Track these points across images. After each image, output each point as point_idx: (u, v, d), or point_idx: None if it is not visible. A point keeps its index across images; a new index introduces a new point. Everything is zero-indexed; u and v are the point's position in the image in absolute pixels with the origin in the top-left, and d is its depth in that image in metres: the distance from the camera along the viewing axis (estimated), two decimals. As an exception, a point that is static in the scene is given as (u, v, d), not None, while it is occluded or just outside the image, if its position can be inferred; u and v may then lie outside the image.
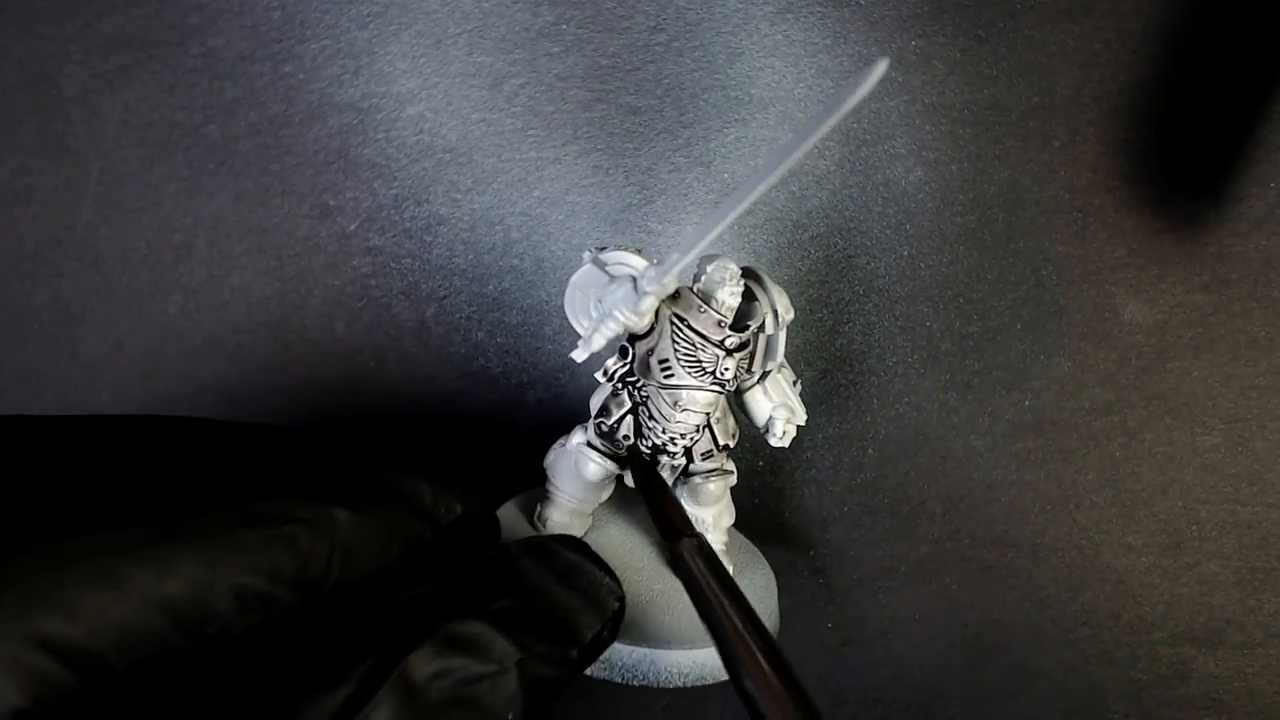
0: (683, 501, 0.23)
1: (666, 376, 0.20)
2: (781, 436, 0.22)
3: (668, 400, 0.20)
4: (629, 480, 0.22)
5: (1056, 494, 0.29)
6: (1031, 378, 0.28)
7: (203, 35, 0.29)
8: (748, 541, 0.26)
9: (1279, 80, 0.26)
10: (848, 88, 0.12)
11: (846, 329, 0.29)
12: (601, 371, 0.21)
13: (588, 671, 0.19)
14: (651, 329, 0.20)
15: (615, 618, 0.17)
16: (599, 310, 0.19)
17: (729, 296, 0.20)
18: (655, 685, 0.19)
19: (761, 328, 0.21)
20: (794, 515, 0.30)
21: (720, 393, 0.21)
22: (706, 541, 0.17)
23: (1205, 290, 0.27)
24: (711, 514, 0.23)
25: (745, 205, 0.15)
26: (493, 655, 0.14)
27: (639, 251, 0.20)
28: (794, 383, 0.22)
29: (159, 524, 0.12)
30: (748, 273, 0.21)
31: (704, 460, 0.22)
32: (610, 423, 0.21)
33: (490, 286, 0.30)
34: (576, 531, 0.23)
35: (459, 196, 0.30)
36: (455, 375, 0.30)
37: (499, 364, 0.30)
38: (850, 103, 0.12)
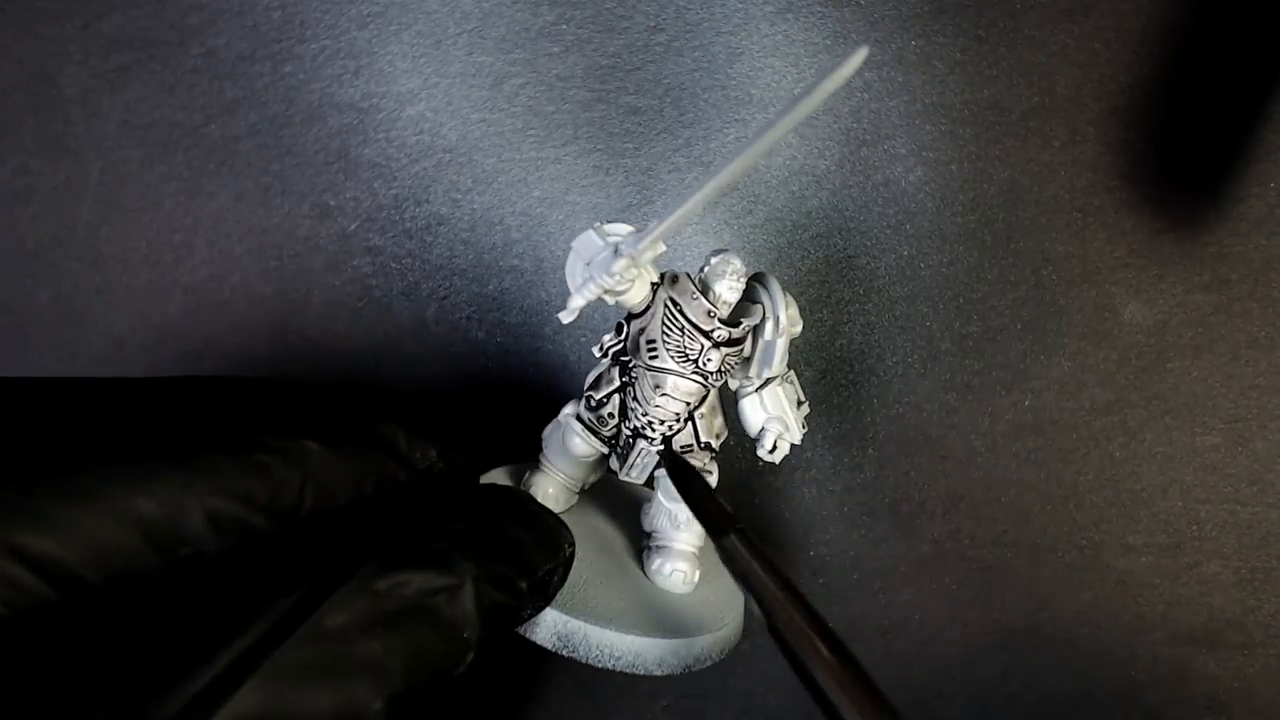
0: (656, 495, 0.23)
1: (652, 357, 0.20)
2: (771, 451, 0.21)
3: (650, 383, 0.20)
4: (622, 473, 0.22)
5: (1056, 494, 0.29)
6: (1031, 378, 0.28)
7: (203, 35, 0.29)
8: None
9: (1279, 80, 0.26)
10: (830, 71, 0.12)
11: (846, 329, 0.29)
12: (598, 347, 0.22)
13: (524, 633, 0.19)
14: (646, 309, 0.20)
15: (566, 564, 0.17)
16: (584, 274, 0.19)
17: (726, 291, 0.20)
18: (583, 661, 0.19)
19: (759, 331, 0.21)
20: (794, 515, 0.30)
21: (703, 384, 0.21)
22: (752, 535, 0.17)
23: (1205, 290, 0.27)
24: (684, 513, 0.22)
25: (726, 180, 0.15)
26: (450, 569, 0.14)
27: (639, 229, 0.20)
28: (799, 403, 0.22)
29: (132, 444, 0.13)
30: (759, 277, 0.21)
31: (682, 454, 0.22)
32: (599, 397, 0.22)
33: (490, 286, 0.30)
34: (559, 507, 0.23)
35: (459, 196, 0.30)
36: (455, 375, 0.30)
37: (499, 364, 0.30)
38: (832, 85, 0.12)
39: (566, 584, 0.18)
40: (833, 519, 0.30)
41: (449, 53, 0.29)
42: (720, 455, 0.23)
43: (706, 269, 0.20)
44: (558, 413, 0.23)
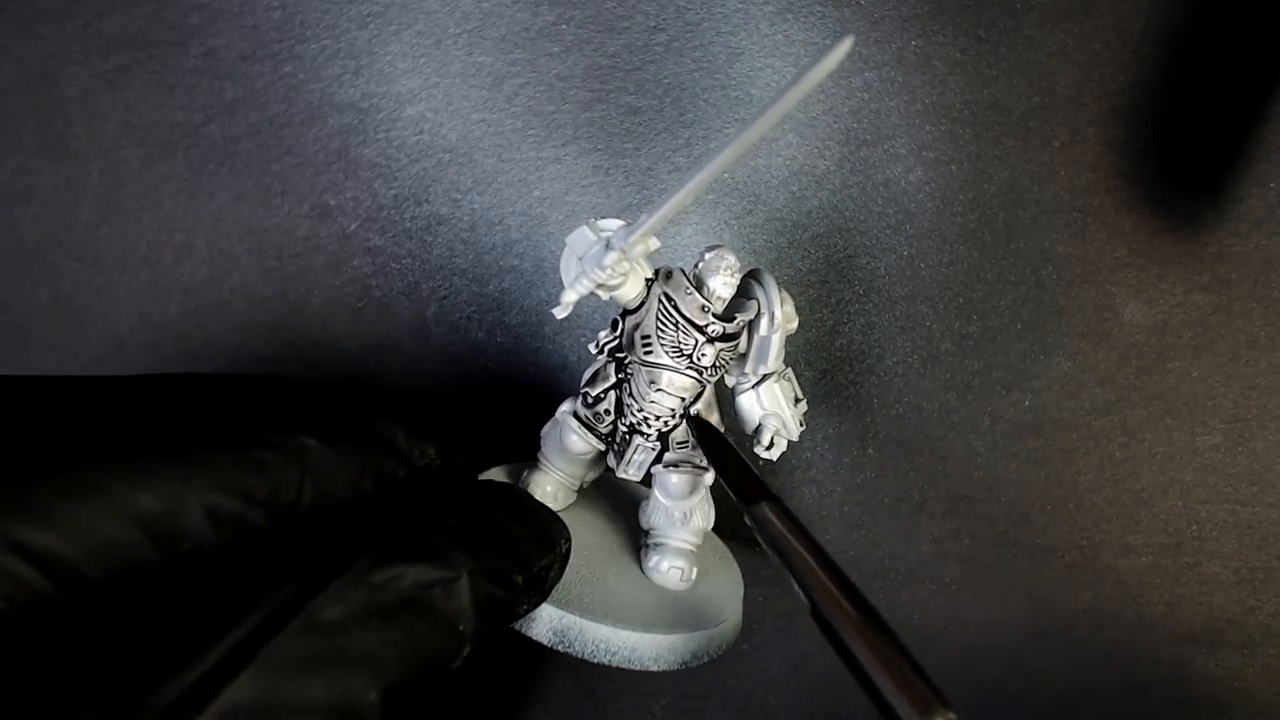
0: (653, 493, 0.23)
1: (646, 353, 0.20)
2: (768, 447, 0.21)
3: (646, 378, 0.20)
4: (619, 470, 0.22)
5: (1056, 494, 0.29)
6: (1031, 378, 0.28)
7: (203, 35, 0.29)
8: (722, 545, 0.26)
9: (1279, 80, 0.26)
10: (816, 61, 0.12)
11: (846, 329, 0.29)
12: (594, 344, 0.22)
13: (521, 628, 0.19)
14: (641, 305, 0.20)
15: (562, 559, 0.17)
16: (577, 268, 0.19)
17: (720, 286, 0.20)
18: (579, 656, 0.19)
19: (754, 326, 0.21)
20: (794, 515, 0.30)
21: (698, 379, 0.21)
22: (785, 505, 0.17)
23: (1205, 290, 0.27)
24: (681, 510, 0.22)
25: (714, 172, 0.15)
26: (446, 562, 0.14)
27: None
28: (796, 400, 0.22)
29: (132, 440, 0.13)
30: (754, 273, 0.21)
31: (678, 449, 0.22)
32: (595, 393, 0.22)
33: (490, 286, 0.30)
34: (558, 505, 0.23)
35: (459, 196, 0.30)
36: (455, 375, 0.30)
37: (499, 364, 0.30)
38: (819, 74, 0.12)
39: (563, 580, 0.18)
40: (833, 519, 0.30)
41: (449, 53, 0.29)
42: None
43: (701, 264, 0.20)
44: (557, 410, 0.23)
